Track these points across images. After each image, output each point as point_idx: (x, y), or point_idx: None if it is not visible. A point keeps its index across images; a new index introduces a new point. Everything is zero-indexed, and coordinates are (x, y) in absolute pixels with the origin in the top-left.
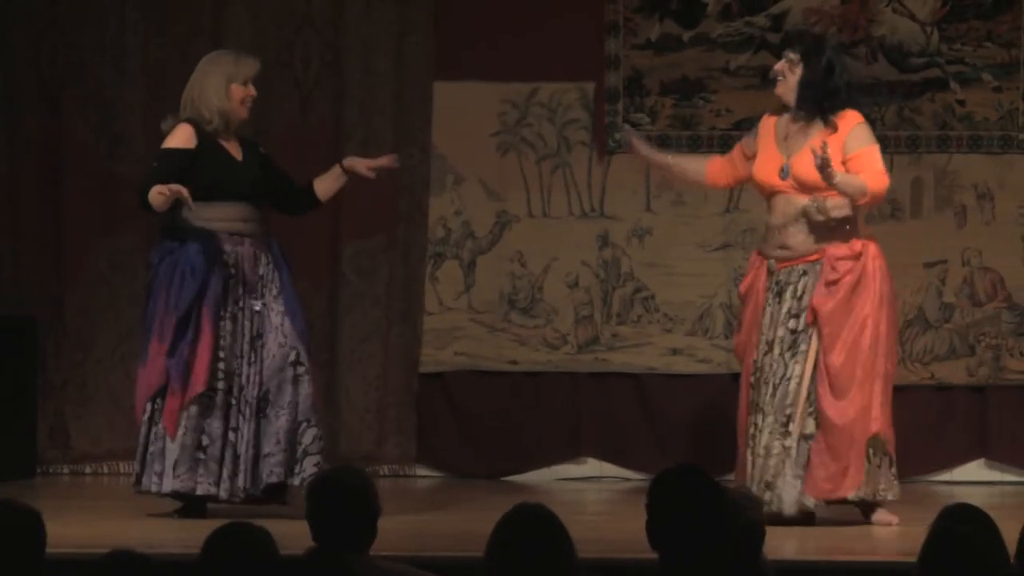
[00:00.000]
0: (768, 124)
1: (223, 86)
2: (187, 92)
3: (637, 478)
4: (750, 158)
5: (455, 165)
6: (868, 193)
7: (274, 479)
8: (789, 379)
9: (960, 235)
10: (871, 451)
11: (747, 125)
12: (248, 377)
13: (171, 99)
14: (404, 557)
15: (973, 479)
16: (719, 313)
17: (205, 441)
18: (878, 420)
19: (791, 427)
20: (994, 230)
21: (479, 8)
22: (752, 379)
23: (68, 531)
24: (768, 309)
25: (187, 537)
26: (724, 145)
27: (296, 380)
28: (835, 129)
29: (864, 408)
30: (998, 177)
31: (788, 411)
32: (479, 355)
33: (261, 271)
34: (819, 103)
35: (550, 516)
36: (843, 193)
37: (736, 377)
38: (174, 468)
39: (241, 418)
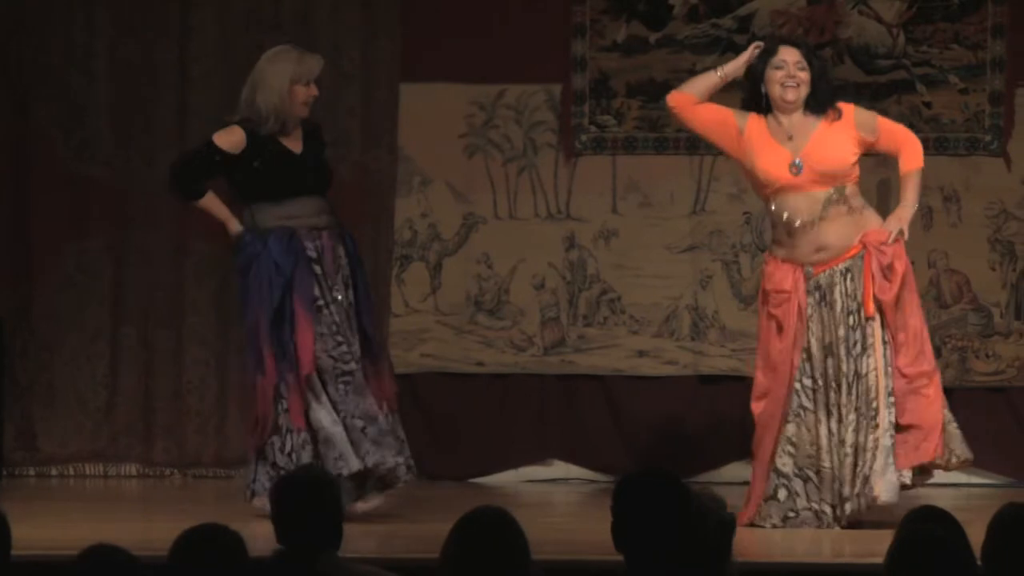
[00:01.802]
0: (758, 125)
1: (285, 87)
2: (246, 90)
3: (604, 480)
4: (726, 125)
5: (422, 167)
6: (921, 155)
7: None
8: (865, 374)
9: (926, 237)
10: (947, 413)
11: None
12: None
13: (138, 101)
14: (371, 559)
15: (939, 481)
16: (685, 315)
17: (358, 420)
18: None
19: (879, 419)
20: (960, 232)
21: (446, 10)
22: (802, 384)
23: (35, 533)
24: (812, 314)
25: (155, 539)
26: (691, 147)
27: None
28: (840, 115)
29: (934, 370)
30: (964, 179)
31: (874, 404)
32: (446, 357)
33: (341, 262)
34: (830, 99)
35: (508, 520)
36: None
37: (703, 380)
38: (355, 449)
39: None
